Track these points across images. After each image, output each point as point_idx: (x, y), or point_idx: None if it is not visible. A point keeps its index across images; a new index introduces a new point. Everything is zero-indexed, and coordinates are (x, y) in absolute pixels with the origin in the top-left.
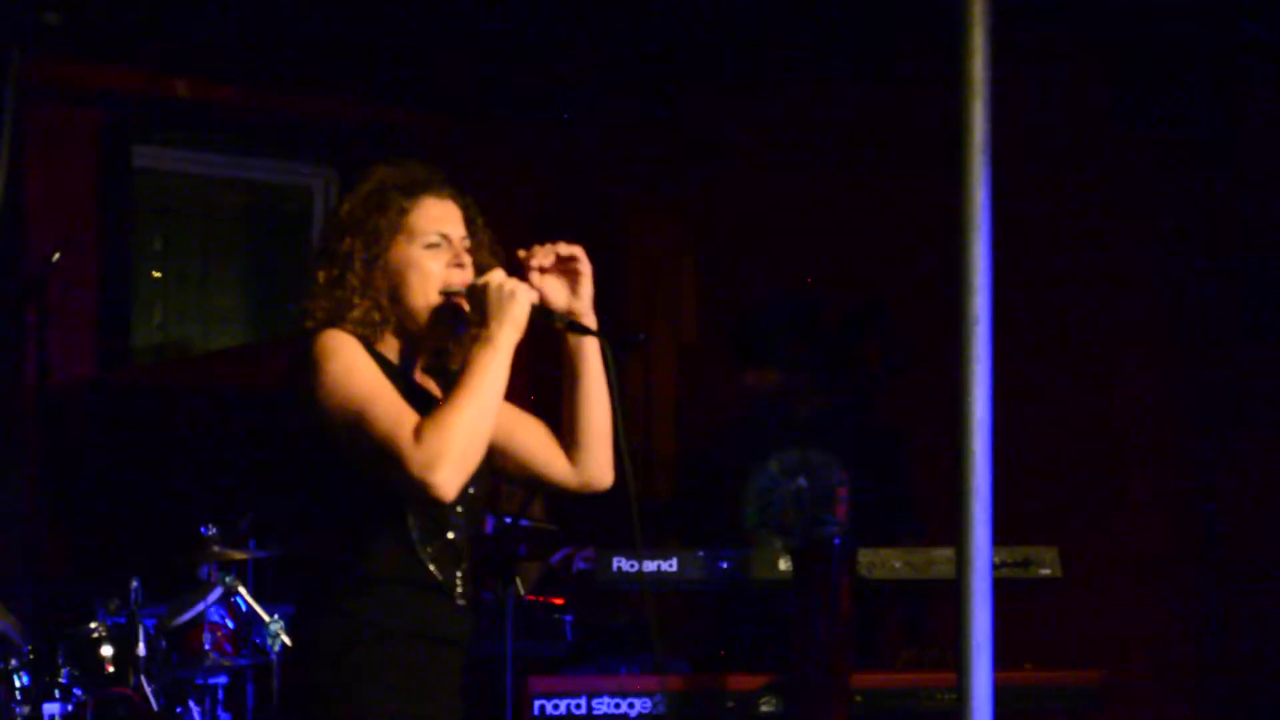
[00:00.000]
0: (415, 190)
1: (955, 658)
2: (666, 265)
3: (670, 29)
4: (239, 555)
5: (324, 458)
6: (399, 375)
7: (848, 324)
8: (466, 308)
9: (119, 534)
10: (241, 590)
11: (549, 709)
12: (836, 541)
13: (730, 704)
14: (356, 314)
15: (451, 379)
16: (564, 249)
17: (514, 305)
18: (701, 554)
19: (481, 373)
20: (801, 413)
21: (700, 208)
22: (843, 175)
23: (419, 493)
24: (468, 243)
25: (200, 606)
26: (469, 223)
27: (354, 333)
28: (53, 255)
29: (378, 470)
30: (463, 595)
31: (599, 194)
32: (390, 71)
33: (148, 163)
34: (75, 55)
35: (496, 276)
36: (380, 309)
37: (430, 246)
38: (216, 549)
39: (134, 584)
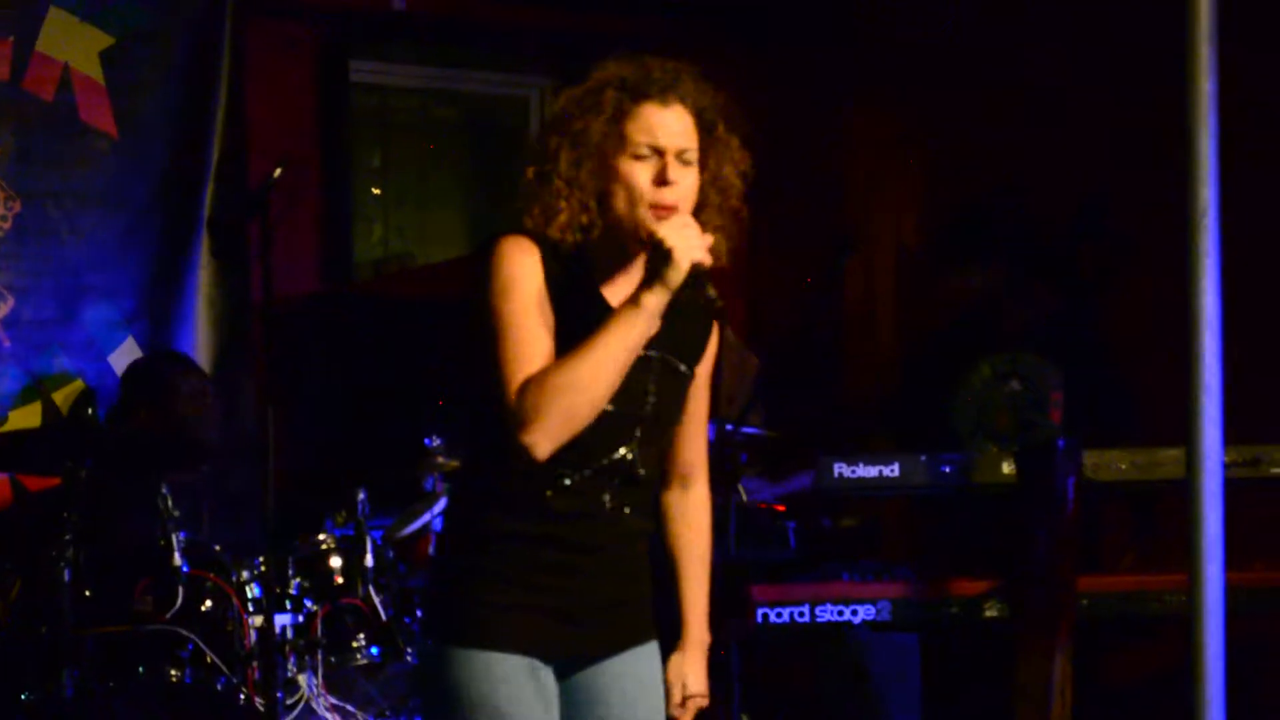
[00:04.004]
0: (637, 93)
1: (1185, 559)
2: (887, 165)
3: None
4: None
5: (481, 370)
6: (586, 286)
7: (1067, 223)
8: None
9: (345, 447)
10: None
11: (772, 617)
12: (1060, 443)
13: (954, 609)
14: (563, 217)
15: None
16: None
17: (669, 269)
18: (923, 458)
19: (611, 336)
20: (1018, 316)
21: (921, 108)
22: (1062, 71)
23: (514, 446)
24: (691, 154)
25: (426, 517)
26: (704, 128)
27: (553, 239)
28: (274, 171)
29: (495, 403)
30: (611, 513)
31: (820, 96)
32: None
33: (365, 78)
34: None
35: (666, 228)
36: (588, 210)
37: (638, 158)
38: (440, 460)
39: (360, 496)
